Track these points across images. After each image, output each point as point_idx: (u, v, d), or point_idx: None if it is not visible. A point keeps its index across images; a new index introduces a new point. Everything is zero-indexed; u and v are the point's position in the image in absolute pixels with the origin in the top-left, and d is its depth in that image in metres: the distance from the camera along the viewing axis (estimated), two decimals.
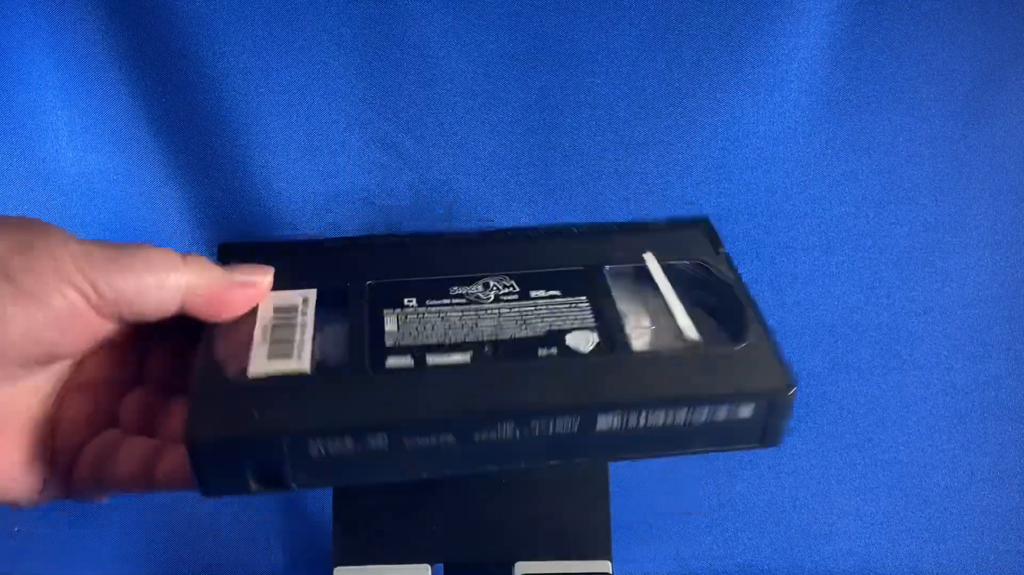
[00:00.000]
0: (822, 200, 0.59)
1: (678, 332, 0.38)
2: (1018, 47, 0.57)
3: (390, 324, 0.38)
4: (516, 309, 0.39)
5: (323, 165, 0.58)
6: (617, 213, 0.59)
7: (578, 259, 0.42)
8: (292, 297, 0.39)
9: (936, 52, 0.57)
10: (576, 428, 0.34)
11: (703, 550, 0.62)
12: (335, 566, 0.49)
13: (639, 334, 0.38)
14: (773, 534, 0.62)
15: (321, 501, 0.64)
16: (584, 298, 0.39)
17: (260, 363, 0.35)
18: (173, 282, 0.34)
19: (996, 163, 0.59)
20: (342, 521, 0.49)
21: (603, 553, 0.49)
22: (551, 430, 0.34)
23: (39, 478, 0.36)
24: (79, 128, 0.56)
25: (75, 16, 0.55)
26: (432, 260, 0.42)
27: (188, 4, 0.55)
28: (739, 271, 0.41)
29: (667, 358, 0.36)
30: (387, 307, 0.39)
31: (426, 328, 0.38)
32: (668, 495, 0.63)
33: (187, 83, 0.56)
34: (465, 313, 0.39)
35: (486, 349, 0.37)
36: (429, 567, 0.49)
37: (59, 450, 0.37)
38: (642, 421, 0.34)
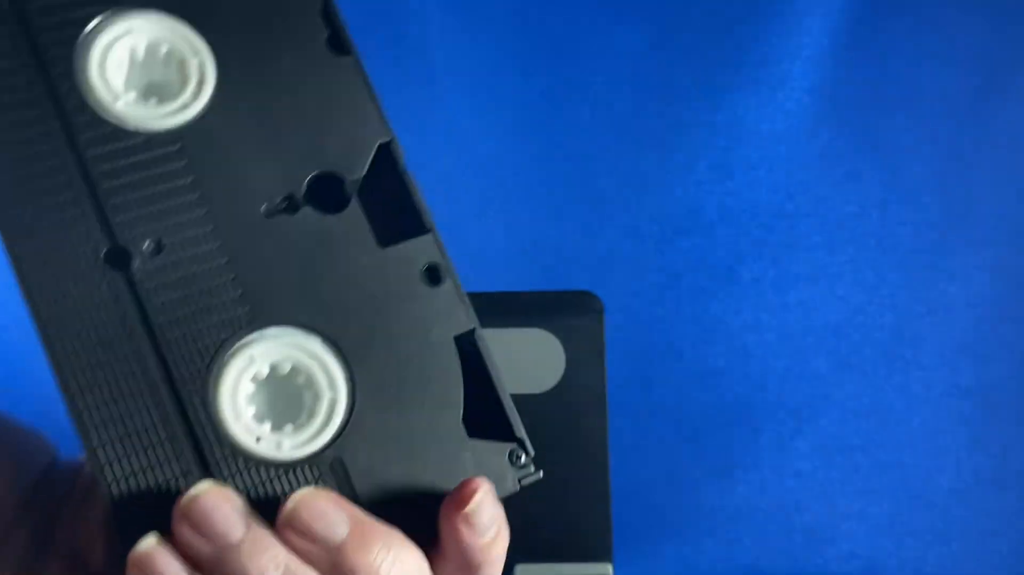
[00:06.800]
0: (825, 200, 0.59)
1: None
2: (1023, 46, 0.57)
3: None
4: None
5: None
6: (618, 213, 0.59)
7: None
8: None
9: (940, 50, 0.57)
10: None
11: (704, 553, 0.62)
12: None
13: None
14: (775, 537, 0.62)
15: None
16: None
17: None
18: None
19: (1001, 162, 0.58)
20: None
21: (604, 555, 0.48)
22: None
23: None
24: None
25: None
26: None
27: None
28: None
29: None
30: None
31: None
32: (669, 497, 0.62)
33: None
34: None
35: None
36: None
37: None
38: None
